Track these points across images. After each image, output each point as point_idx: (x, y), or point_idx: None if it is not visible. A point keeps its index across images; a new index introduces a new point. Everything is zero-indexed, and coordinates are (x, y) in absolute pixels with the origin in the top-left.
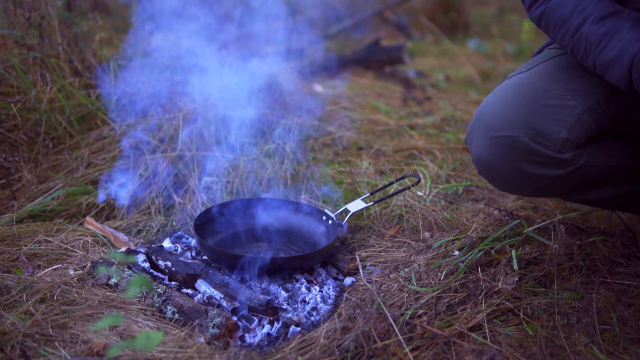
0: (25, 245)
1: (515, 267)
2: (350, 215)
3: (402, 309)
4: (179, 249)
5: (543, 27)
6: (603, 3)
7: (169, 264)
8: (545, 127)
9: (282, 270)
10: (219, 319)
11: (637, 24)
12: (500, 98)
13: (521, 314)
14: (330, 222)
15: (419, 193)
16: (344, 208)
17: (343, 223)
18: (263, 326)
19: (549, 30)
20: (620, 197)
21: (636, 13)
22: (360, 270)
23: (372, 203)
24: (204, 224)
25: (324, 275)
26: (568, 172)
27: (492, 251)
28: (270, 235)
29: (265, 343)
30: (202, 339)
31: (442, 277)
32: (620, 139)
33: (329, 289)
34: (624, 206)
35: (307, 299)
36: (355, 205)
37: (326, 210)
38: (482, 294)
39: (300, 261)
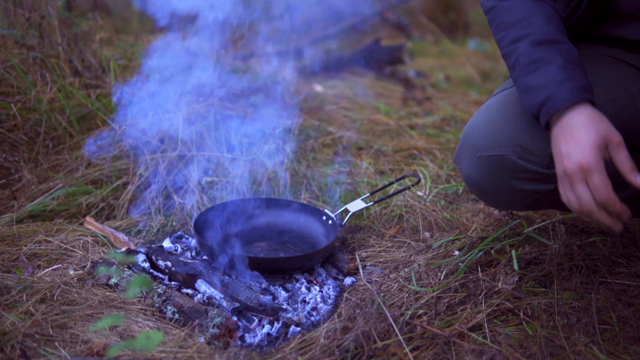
0: (25, 245)
1: (515, 267)
2: (350, 215)
3: (402, 309)
4: (179, 249)
5: (488, 19)
6: (549, 27)
7: (169, 264)
8: (531, 143)
9: (282, 270)
10: (219, 319)
11: (569, 63)
12: (486, 117)
13: (521, 314)
14: (330, 222)
15: (419, 193)
16: (344, 208)
17: (343, 223)
18: (263, 326)
19: (492, 25)
20: None
21: (574, 49)
22: (360, 270)
23: (372, 203)
24: (204, 224)
25: (324, 275)
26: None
27: (492, 251)
28: (270, 235)
29: (265, 343)
30: (202, 339)
31: (442, 277)
32: None
33: (329, 289)
34: None
35: (307, 299)
36: (355, 205)
37: (326, 210)
38: (482, 294)
39: (300, 261)
